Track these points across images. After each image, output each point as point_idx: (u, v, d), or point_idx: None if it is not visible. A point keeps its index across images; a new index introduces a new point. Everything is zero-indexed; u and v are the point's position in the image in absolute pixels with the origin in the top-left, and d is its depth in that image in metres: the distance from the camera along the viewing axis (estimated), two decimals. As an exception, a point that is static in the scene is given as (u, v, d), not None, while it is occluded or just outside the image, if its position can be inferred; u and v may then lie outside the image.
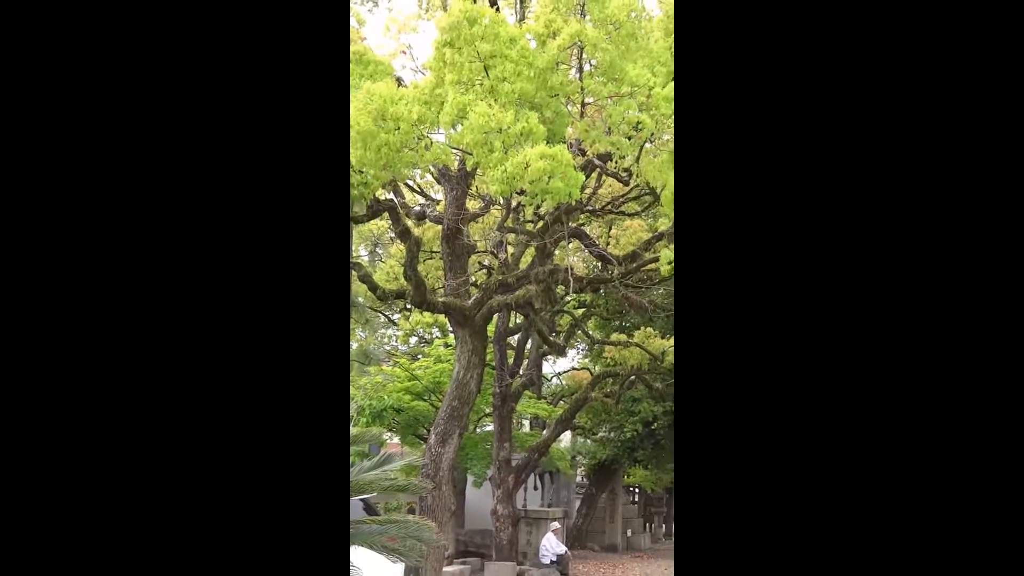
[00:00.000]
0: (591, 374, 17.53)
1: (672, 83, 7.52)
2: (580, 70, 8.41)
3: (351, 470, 6.52)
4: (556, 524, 15.22)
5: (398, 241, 12.04)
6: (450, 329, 14.86)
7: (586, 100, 8.21)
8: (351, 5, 9.78)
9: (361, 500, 7.88)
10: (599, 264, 12.09)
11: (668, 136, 8.55)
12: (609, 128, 7.92)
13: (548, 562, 14.15)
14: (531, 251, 11.87)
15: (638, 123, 7.55)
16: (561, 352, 17.23)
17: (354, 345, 19.52)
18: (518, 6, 10.79)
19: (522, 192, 7.53)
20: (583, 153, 9.10)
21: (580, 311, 16.67)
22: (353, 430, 12.94)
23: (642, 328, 15.11)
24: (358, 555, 5.87)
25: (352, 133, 7.32)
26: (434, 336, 18.64)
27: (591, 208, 11.96)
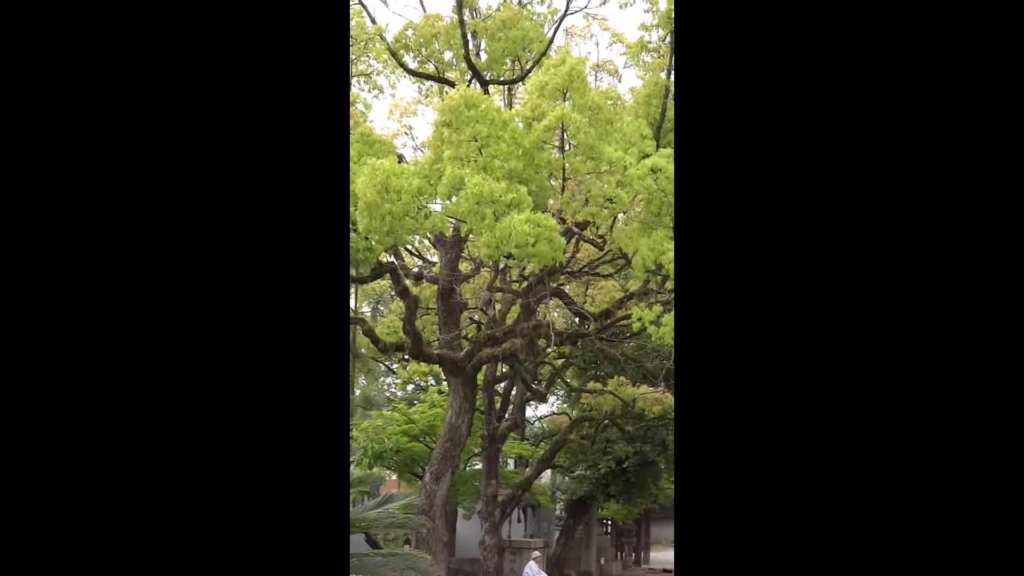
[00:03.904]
0: (569, 418, 17.36)
1: (644, 159, 7.50)
2: (562, 149, 8.38)
3: (356, 509, 6.24)
4: (537, 553, 15.08)
5: (398, 299, 12.09)
6: (443, 377, 14.65)
7: (567, 176, 8.07)
8: (359, 92, 9.60)
9: (364, 534, 7.68)
10: (577, 320, 12.06)
11: (639, 208, 8.55)
12: (587, 200, 7.79)
13: (531, 588, 13.85)
14: (516, 308, 11.87)
15: (613, 197, 7.46)
16: (543, 398, 17.24)
17: (356, 392, 19.36)
18: (506, 92, 10.84)
19: (510, 256, 7.43)
20: (563, 221, 9.07)
21: (560, 362, 16.56)
22: (357, 471, 12.56)
23: (615, 377, 14.97)
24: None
25: (360, 204, 7.19)
26: (429, 383, 18.52)
27: (570, 270, 11.89)
